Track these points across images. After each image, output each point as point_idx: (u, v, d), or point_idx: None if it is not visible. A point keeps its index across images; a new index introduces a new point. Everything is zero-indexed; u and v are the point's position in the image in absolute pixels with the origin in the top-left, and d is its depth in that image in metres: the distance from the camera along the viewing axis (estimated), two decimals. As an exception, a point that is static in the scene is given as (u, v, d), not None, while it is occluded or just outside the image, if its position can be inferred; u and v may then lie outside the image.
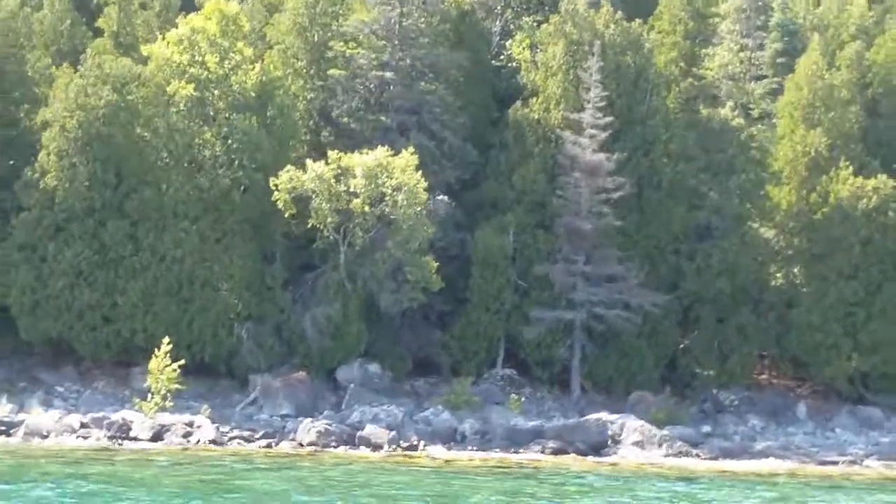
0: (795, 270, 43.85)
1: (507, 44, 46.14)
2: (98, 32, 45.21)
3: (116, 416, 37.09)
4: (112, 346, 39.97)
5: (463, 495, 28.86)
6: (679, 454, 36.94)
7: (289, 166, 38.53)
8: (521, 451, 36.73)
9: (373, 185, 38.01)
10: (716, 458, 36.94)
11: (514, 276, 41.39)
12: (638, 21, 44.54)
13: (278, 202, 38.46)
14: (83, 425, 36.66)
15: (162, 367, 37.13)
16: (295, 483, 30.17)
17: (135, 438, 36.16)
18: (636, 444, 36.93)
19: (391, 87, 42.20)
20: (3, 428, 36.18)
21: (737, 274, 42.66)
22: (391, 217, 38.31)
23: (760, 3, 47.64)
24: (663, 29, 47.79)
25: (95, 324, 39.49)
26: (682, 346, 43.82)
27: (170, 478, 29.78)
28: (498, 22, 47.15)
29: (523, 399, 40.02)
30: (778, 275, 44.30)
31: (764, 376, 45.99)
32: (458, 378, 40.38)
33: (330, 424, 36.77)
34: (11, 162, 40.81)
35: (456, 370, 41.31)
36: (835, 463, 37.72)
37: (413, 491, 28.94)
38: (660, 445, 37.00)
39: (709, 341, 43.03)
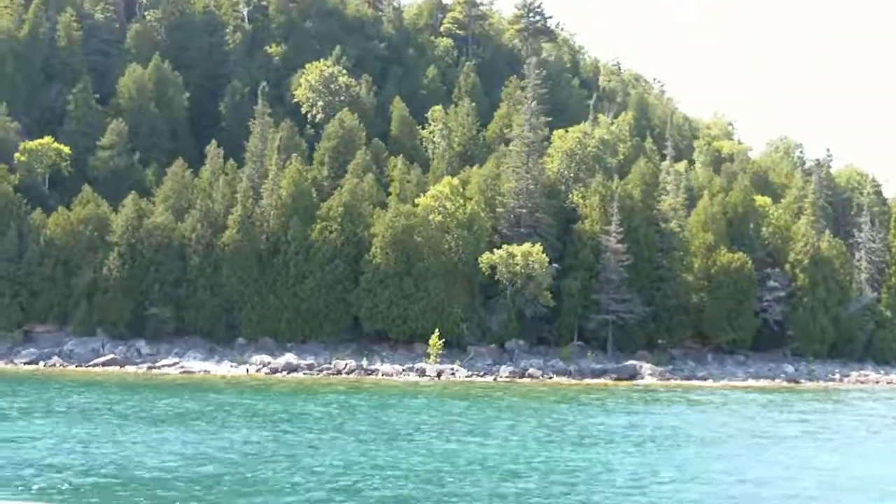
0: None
1: (570, 194, 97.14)
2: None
3: (417, 366, 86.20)
4: (405, 333, 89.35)
5: (592, 393, 79.50)
6: (669, 380, 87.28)
7: (486, 253, 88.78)
8: (596, 379, 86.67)
9: (524, 259, 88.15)
10: (687, 380, 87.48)
11: (581, 300, 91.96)
12: (640, 189, 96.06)
13: (482, 267, 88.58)
14: (401, 371, 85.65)
15: (434, 343, 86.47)
16: (500, 393, 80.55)
17: (427, 375, 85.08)
18: (650, 375, 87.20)
19: (524, 214, 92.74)
20: (381, 375, 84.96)
21: (677, 296, 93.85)
22: (532, 273, 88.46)
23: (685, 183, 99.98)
24: (636, 184, 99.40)
25: (400, 322, 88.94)
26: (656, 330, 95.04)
27: (453, 391, 79.69)
28: (566, 182, 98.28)
29: (591, 354, 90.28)
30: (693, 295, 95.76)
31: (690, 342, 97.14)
32: (563, 346, 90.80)
33: (515, 368, 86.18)
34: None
35: (558, 343, 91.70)
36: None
37: (573, 392, 79.48)
38: (660, 376, 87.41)
39: (670, 329, 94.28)
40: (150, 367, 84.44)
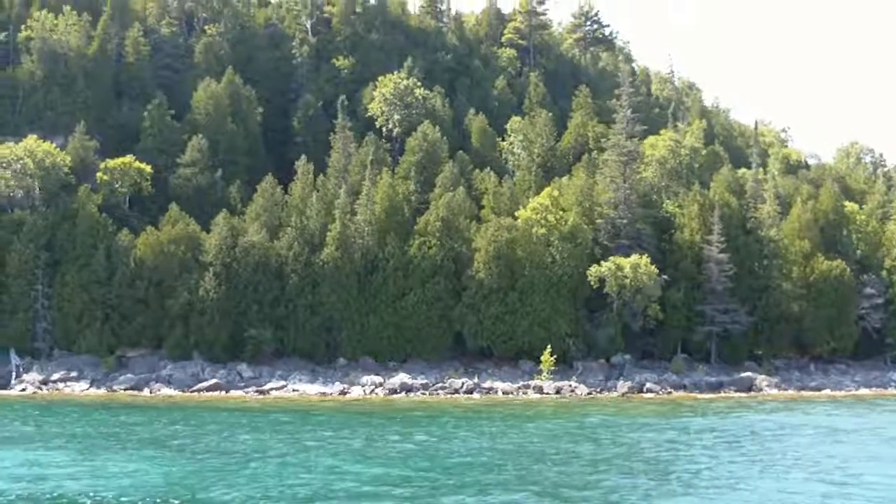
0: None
1: (663, 203, 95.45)
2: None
3: (533, 383, 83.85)
4: (511, 350, 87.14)
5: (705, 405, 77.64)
6: (785, 391, 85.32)
7: (594, 265, 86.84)
8: (714, 392, 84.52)
9: (633, 271, 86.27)
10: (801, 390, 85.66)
11: (685, 311, 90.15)
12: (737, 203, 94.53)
13: (591, 280, 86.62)
14: (517, 389, 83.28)
15: (547, 359, 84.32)
16: (609, 409, 78.59)
17: (545, 392, 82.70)
18: (768, 386, 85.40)
19: (624, 224, 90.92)
20: (501, 393, 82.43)
21: (778, 306, 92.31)
22: (640, 286, 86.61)
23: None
24: (724, 192, 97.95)
25: (506, 339, 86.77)
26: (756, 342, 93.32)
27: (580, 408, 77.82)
28: (658, 191, 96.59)
29: (701, 367, 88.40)
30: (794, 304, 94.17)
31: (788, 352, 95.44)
32: (667, 360, 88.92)
33: (633, 383, 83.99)
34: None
35: (662, 356, 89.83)
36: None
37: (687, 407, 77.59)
38: (777, 387, 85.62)
39: (770, 339, 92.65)
40: (257, 391, 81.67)
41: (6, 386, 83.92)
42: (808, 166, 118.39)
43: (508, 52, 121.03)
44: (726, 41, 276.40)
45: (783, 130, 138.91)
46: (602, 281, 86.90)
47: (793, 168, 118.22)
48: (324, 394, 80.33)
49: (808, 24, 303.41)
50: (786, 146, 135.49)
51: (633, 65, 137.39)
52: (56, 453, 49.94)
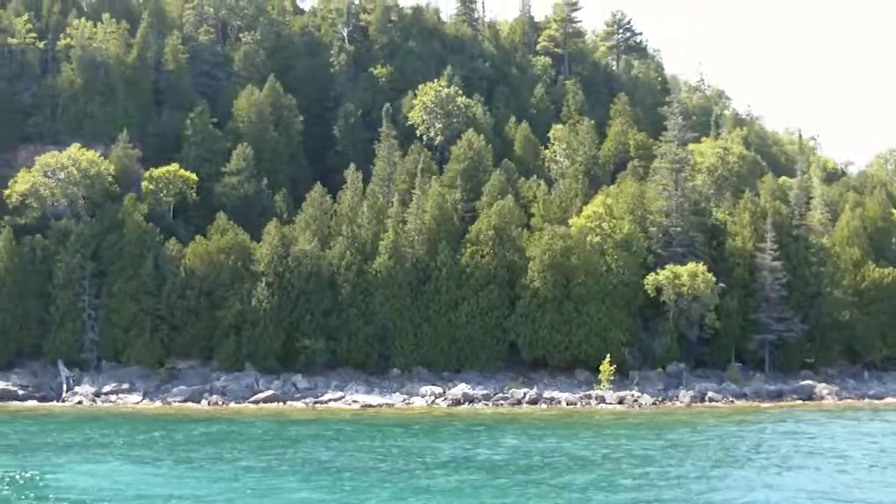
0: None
1: (712, 211, 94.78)
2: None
3: (595, 393, 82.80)
4: (567, 359, 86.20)
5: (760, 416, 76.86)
6: (845, 399, 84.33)
7: (652, 274, 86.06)
8: (775, 401, 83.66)
9: (690, 280, 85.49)
10: (861, 398, 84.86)
11: (739, 320, 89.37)
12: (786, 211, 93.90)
13: (648, 288, 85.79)
14: (580, 399, 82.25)
15: (606, 369, 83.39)
16: (676, 423, 77.68)
17: (607, 403, 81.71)
18: (829, 394, 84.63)
19: (678, 232, 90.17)
20: (566, 404, 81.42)
21: (830, 314, 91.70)
22: (697, 294, 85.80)
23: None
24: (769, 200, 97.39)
25: (562, 348, 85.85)
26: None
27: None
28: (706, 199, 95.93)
29: (759, 375, 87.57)
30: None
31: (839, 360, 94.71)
32: (721, 369, 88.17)
33: (695, 393, 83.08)
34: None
35: (716, 364, 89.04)
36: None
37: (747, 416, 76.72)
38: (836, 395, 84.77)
39: (823, 347, 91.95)
40: (315, 403, 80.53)
41: (58, 398, 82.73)
42: (843, 173, 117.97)
43: (543, 61, 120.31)
44: (724, 46, 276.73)
45: (812, 138, 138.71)
46: (658, 290, 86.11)
47: (831, 176, 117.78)
48: (388, 405, 79.21)
49: (811, 27, 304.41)
50: (814, 153, 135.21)
51: (664, 73, 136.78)
52: (272, 477, 47.24)
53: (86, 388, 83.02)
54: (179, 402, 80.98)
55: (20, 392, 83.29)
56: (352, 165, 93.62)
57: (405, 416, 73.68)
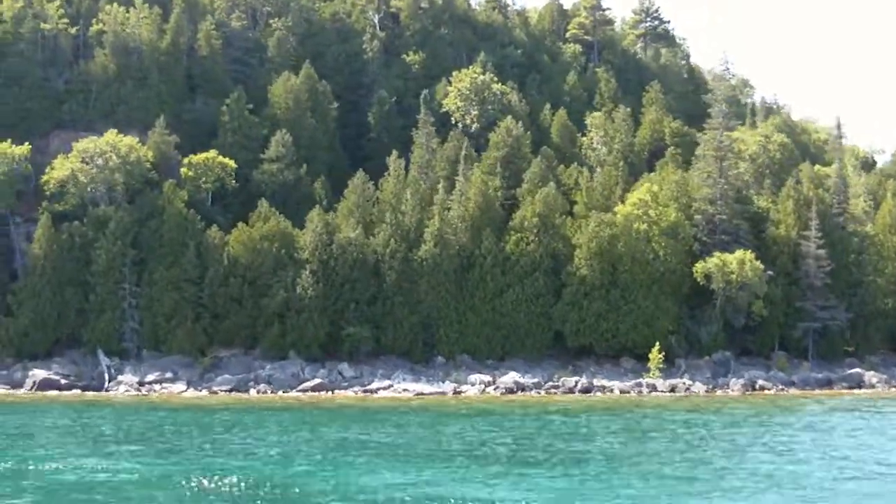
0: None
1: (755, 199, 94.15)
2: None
3: (645, 381, 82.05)
4: (614, 348, 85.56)
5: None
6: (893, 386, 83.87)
7: (700, 262, 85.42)
8: (824, 388, 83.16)
9: (739, 267, 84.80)
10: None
11: (784, 307, 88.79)
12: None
13: (696, 276, 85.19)
14: (631, 388, 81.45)
15: (655, 357, 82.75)
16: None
17: (658, 391, 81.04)
18: (878, 382, 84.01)
19: (723, 220, 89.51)
20: (618, 392, 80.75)
21: (873, 301, 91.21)
22: (745, 281, 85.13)
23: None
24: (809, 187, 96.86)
25: (609, 336, 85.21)
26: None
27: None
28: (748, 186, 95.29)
29: (806, 363, 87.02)
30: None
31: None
32: (766, 356, 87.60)
33: (746, 381, 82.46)
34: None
35: (760, 352, 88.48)
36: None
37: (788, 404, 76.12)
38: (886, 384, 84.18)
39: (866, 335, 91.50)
40: (364, 391, 79.72)
41: (100, 388, 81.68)
42: (874, 162, 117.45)
43: (573, 48, 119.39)
44: (744, 37, 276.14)
45: (837, 127, 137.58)
46: (706, 277, 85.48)
47: (864, 164, 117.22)
48: (440, 393, 78.49)
49: (824, 17, 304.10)
50: (840, 142, 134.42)
51: (690, 61, 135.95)
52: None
53: (129, 377, 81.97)
54: (225, 391, 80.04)
55: (62, 381, 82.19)
56: (394, 153, 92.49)
57: (476, 405, 72.34)
